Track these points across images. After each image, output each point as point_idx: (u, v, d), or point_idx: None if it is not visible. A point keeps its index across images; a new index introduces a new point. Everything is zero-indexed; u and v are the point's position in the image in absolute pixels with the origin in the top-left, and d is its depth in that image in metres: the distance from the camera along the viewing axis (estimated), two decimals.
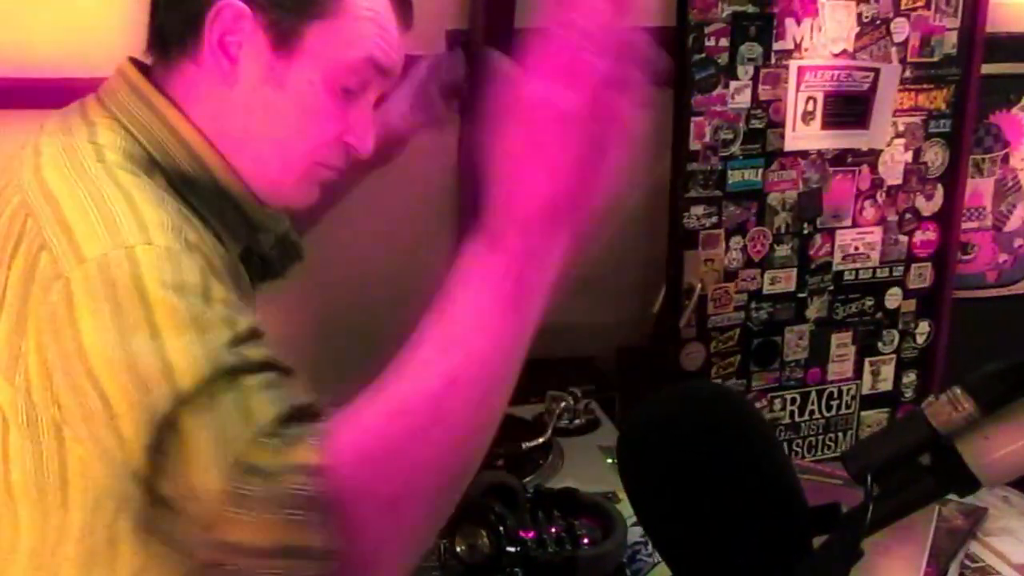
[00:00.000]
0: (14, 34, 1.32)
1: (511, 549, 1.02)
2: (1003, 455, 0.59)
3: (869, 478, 0.60)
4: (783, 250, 1.59)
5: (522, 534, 1.07)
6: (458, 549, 1.04)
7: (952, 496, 1.21)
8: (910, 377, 1.72)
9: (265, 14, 0.78)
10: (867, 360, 1.69)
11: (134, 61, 0.85)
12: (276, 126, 0.81)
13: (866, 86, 1.55)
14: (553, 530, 1.11)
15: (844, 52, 1.53)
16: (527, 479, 1.27)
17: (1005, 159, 1.73)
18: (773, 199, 1.57)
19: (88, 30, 1.33)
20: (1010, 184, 1.74)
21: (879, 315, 1.67)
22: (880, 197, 1.62)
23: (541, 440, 1.36)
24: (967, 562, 1.14)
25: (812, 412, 1.68)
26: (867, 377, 1.70)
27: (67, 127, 0.81)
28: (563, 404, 1.46)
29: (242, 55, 0.78)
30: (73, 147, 0.77)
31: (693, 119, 1.49)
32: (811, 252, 1.61)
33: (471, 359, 0.61)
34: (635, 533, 1.10)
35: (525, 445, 1.35)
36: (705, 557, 0.62)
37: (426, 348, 0.61)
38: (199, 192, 0.80)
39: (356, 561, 0.59)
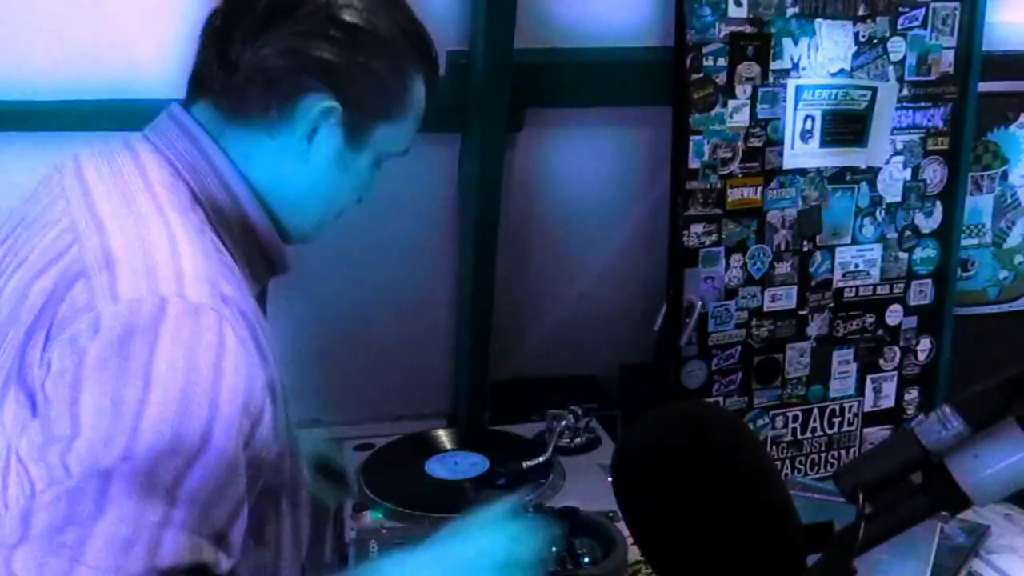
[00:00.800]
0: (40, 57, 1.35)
1: None
2: (993, 473, 0.59)
3: (861, 497, 0.60)
4: (783, 267, 1.60)
5: None
6: None
7: (948, 513, 1.21)
8: (912, 394, 1.71)
9: (349, 113, 0.86)
10: (869, 377, 1.69)
11: (183, 104, 0.89)
12: (329, 198, 0.92)
13: (864, 104, 1.56)
14: (554, 550, 1.11)
15: (842, 71, 1.54)
16: (528, 498, 1.27)
17: (1004, 176, 1.73)
18: (772, 217, 1.57)
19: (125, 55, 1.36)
20: (1009, 201, 1.75)
21: (880, 332, 1.67)
22: (879, 214, 1.63)
23: (542, 459, 1.36)
24: None
25: (814, 429, 1.68)
26: (869, 394, 1.69)
27: (110, 156, 0.85)
28: (564, 423, 1.45)
29: (318, 140, 0.87)
30: (123, 176, 0.82)
31: (692, 138, 1.50)
32: (811, 269, 1.61)
33: None
34: (636, 552, 1.10)
35: (526, 464, 1.35)
36: (699, 573, 0.62)
37: None
38: (233, 233, 0.85)
39: None
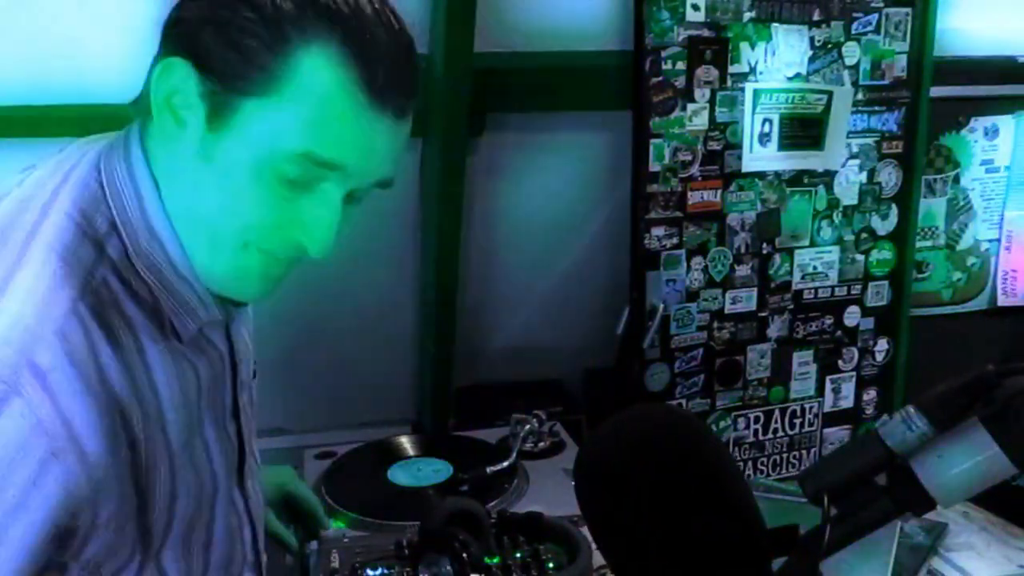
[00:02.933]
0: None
1: None
2: (957, 474, 0.59)
3: (826, 499, 0.60)
4: (743, 270, 1.61)
5: (487, 561, 1.06)
6: None
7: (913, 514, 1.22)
8: (870, 394, 1.74)
9: (205, 79, 0.70)
10: (828, 378, 1.71)
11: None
12: (202, 203, 0.73)
13: (820, 108, 1.58)
14: (518, 556, 1.10)
15: (798, 75, 1.56)
16: (492, 504, 1.26)
17: (956, 179, 1.77)
18: (732, 220, 1.58)
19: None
20: (961, 204, 1.78)
21: (838, 333, 1.69)
22: (836, 217, 1.65)
23: (506, 464, 1.35)
24: None
25: (776, 430, 1.69)
26: (828, 395, 1.71)
27: (51, 167, 0.75)
28: (527, 427, 1.45)
29: (184, 118, 0.72)
30: (26, 203, 0.72)
31: (652, 141, 1.50)
32: (770, 272, 1.63)
33: None
34: (601, 557, 1.09)
35: (490, 469, 1.34)
36: None
37: None
38: (155, 270, 0.74)
39: None
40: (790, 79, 1.56)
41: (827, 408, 1.72)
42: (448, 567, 1.02)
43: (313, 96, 0.70)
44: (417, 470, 1.39)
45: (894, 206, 1.68)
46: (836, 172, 1.63)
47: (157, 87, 0.72)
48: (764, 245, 1.61)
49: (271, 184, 0.72)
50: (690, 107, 1.51)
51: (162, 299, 0.74)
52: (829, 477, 0.62)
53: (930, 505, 0.60)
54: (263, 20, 0.69)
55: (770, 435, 1.69)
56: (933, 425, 0.59)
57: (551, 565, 1.09)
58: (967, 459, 0.59)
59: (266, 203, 0.72)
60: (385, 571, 1.10)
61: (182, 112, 0.71)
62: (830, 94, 1.58)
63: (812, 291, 1.66)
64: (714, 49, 1.51)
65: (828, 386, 1.71)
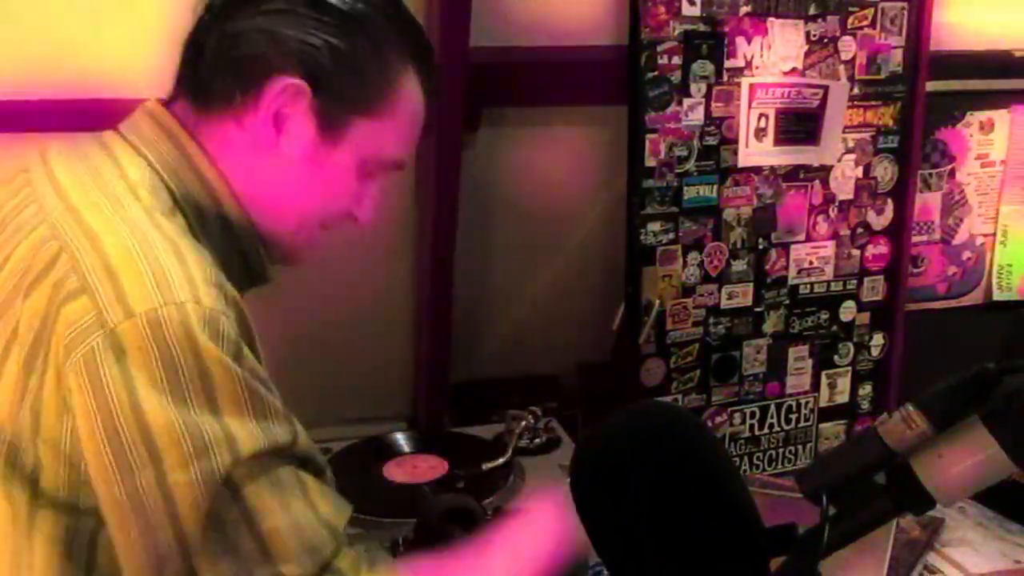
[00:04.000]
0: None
1: None
2: (958, 472, 0.59)
3: (825, 499, 0.60)
4: (739, 265, 1.60)
5: None
6: None
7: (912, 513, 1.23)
8: (866, 389, 1.74)
9: (320, 98, 0.80)
10: (824, 373, 1.70)
11: (162, 102, 0.84)
12: (304, 197, 0.85)
13: (816, 103, 1.58)
14: None
15: (794, 70, 1.55)
16: (488, 500, 1.26)
17: (952, 174, 1.77)
18: (728, 215, 1.58)
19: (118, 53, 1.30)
20: (957, 198, 1.78)
21: (834, 328, 1.69)
22: (832, 212, 1.65)
23: (502, 460, 1.35)
24: (925, 573, 1.15)
25: (771, 425, 1.69)
26: (824, 390, 1.71)
27: (84, 155, 0.79)
28: (523, 423, 1.45)
29: (288, 128, 0.81)
30: (104, 181, 0.76)
31: (648, 136, 1.50)
32: (766, 267, 1.62)
33: None
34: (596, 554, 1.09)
35: (485, 466, 1.34)
36: None
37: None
38: (213, 239, 0.81)
39: None
40: (786, 73, 1.55)
41: (823, 403, 1.72)
42: None
43: (408, 114, 0.86)
44: (413, 467, 1.39)
45: (890, 201, 1.68)
46: (832, 167, 1.63)
47: (271, 102, 0.79)
48: (760, 240, 1.61)
49: (362, 180, 0.87)
50: (686, 102, 1.51)
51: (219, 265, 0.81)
52: (827, 476, 0.62)
53: (930, 504, 0.60)
54: (377, 49, 0.81)
55: (766, 430, 1.69)
56: (932, 424, 0.59)
57: None
58: (967, 458, 0.58)
59: (354, 194, 0.87)
60: None
61: (287, 125, 0.81)
62: (826, 89, 1.57)
63: (808, 286, 1.66)
64: (710, 43, 1.50)
65: (824, 381, 1.71)
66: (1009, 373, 0.58)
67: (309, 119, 0.81)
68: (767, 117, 1.56)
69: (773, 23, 1.53)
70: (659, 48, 1.47)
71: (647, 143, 1.50)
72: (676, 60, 1.49)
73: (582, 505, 0.66)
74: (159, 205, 0.76)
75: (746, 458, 1.68)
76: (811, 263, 1.65)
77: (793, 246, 1.63)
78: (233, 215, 0.82)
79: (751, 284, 1.62)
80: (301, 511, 0.68)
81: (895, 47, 1.61)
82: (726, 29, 1.50)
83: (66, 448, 0.68)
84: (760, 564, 0.61)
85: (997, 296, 1.81)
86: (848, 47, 1.58)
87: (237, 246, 0.84)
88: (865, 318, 1.71)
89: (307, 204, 0.86)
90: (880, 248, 1.69)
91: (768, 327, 1.65)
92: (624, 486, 0.63)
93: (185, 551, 0.65)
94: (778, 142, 1.57)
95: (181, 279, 0.69)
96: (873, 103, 1.62)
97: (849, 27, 1.57)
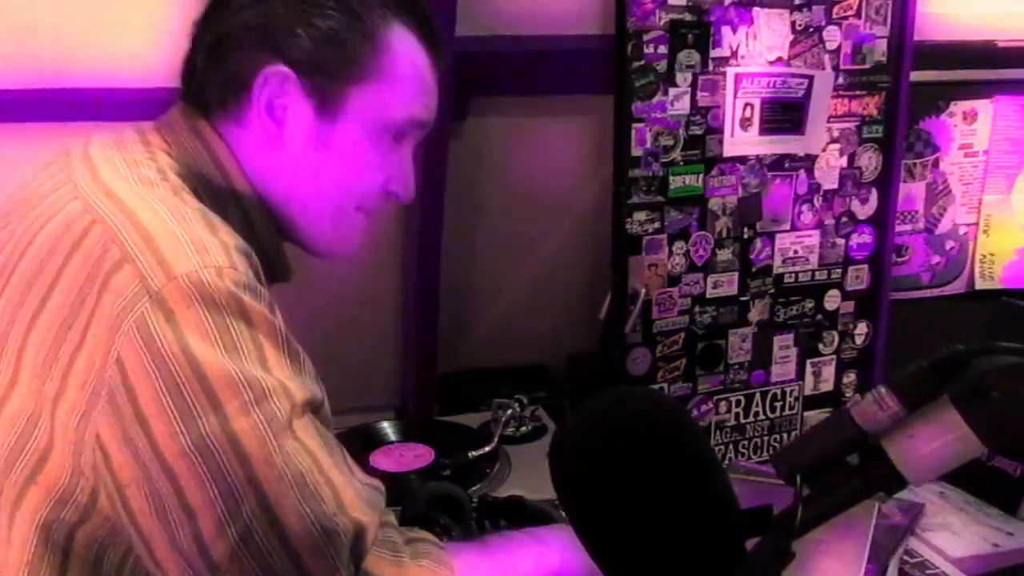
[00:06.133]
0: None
1: None
2: (928, 453, 0.60)
3: (798, 479, 0.61)
4: (725, 254, 1.61)
5: None
6: None
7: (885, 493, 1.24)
8: (850, 377, 1.75)
9: (309, 79, 0.80)
10: (808, 361, 1.72)
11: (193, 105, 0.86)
12: (325, 185, 0.85)
13: (801, 93, 1.58)
14: None
15: (779, 59, 1.56)
16: (474, 488, 1.27)
17: (935, 163, 1.78)
18: (714, 204, 1.59)
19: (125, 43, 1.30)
20: (940, 188, 1.79)
21: (819, 317, 1.70)
22: (817, 201, 1.66)
23: (488, 449, 1.36)
24: (906, 558, 1.16)
25: (757, 413, 1.70)
26: (809, 378, 1.73)
27: (121, 143, 0.82)
28: (509, 412, 1.45)
29: (287, 118, 0.82)
30: (136, 164, 0.78)
31: (634, 126, 1.50)
32: (752, 256, 1.63)
33: None
34: None
35: (471, 454, 1.35)
36: (638, 562, 0.62)
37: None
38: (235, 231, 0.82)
39: None
40: (771, 63, 1.56)
41: (808, 391, 1.73)
42: None
43: (408, 69, 0.84)
44: (399, 455, 1.40)
45: (874, 190, 1.69)
46: (817, 156, 1.63)
47: (259, 95, 0.80)
48: (745, 229, 1.62)
49: (381, 150, 0.85)
50: (672, 91, 1.51)
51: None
52: (802, 457, 0.63)
53: (902, 484, 0.61)
54: (352, 15, 0.81)
55: (751, 418, 1.70)
56: (904, 405, 0.60)
57: None
58: (938, 438, 0.59)
59: (378, 167, 0.86)
60: None
61: (285, 114, 0.81)
62: (811, 78, 1.58)
63: (793, 275, 1.67)
64: (696, 33, 1.50)
65: (809, 369, 1.72)
66: (980, 355, 0.59)
67: (303, 102, 0.81)
68: (752, 107, 1.57)
69: (759, 13, 1.53)
70: (645, 38, 1.48)
71: (633, 132, 1.50)
72: (662, 50, 1.49)
73: (561, 490, 0.67)
74: (185, 188, 0.78)
75: (732, 446, 1.69)
76: (796, 252, 1.66)
77: (778, 235, 1.64)
78: (252, 209, 0.84)
79: (736, 273, 1.63)
80: (348, 471, 0.72)
81: (880, 37, 1.62)
82: (712, 19, 1.51)
83: (86, 419, 0.68)
84: (736, 545, 0.62)
85: (980, 285, 1.83)
86: (833, 37, 1.59)
87: (257, 242, 0.84)
88: (850, 307, 1.72)
89: (331, 187, 0.85)
90: (864, 237, 1.70)
91: (753, 316, 1.66)
92: (599, 468, 0.64)
93: (261, 493, 0.66)
94: (763, 132, 1.58)
95: (216, 245, 0.71)
96: (858, 93, 1.63)
97: (834, 17, 1.58)
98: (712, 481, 0.64)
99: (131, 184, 0.75)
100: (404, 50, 0.84)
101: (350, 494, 0.70)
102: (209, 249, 0.70)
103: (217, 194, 0.81)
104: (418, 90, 0.86)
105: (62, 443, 0.69)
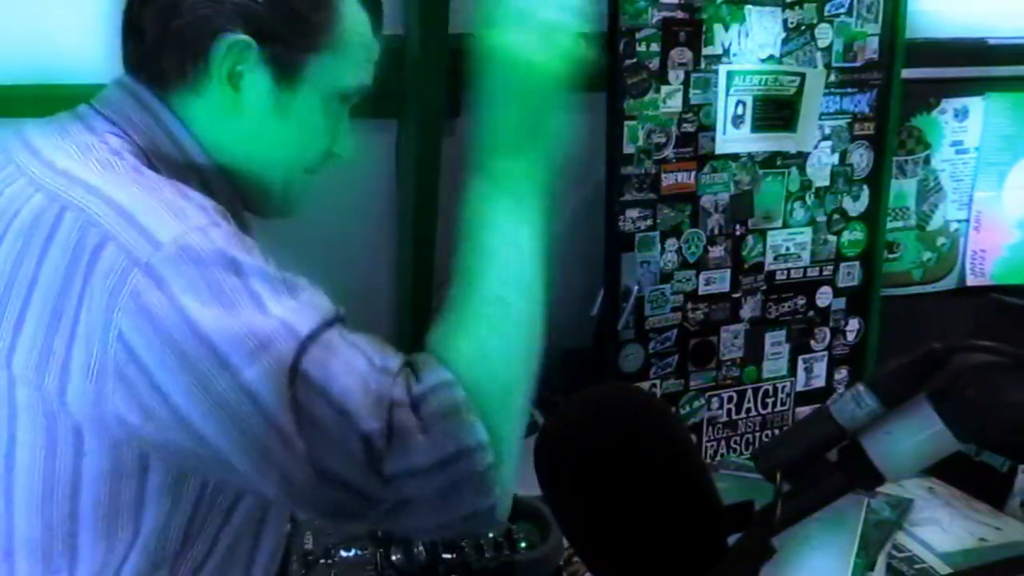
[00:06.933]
0: None
1: (448, 556, 1.02)
2: (905, 450, 0.61)
3: (778, 476, 0.62)
4: (717, 251, 1.62)
5: (459, 540, 1.07)
6: (394, 558, 1.04)
7: (879, 488, 1.25)
8: (842, 373, 1.76)
9: (269, 48, 0.81)
10: (800, 358, 1.73)
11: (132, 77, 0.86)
12: (281, 149, 0.86)
13: (793, 90, 1.59)
14: (491, 535, 1.12)
15: (771, 57, 1.57)
16: None
17: (927, 160, 1.79)
18: (706, 201, 1.59)
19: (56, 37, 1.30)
20: (932, 185, 1.80)
21: (811, 313, 1.71)
22: (809, 198, 1.66)
23: None
24: (894, 552, 1.18)
25: (749, 410, 1.71)
26: (800, 374, 1.74)
27: (63, 130, 0.81)
28: None
29: (244, 85, 0.82)
30: (88, 148, 0.78)
31: (626, 123, 1.51)
32: (744, 253, 1.64)
33: (506, 263, 0.81)
34: None
35: None
36: (621, 558, 0.63)
37: (472, 270, 0.78)
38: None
39: (498, 449, 0.70)
40: (763, 61, 1.56)
41: (799, 387, 1.74)
42: (420, 547, 1.03)
43: (357, 37, 0.85)
44: None
45: (865, 187, 1.70)
46: (809, 154, 1.64)
47: (220, 64, 0.80)
48: (737, 226, 1.63)
49: (335, 116, 0.88)
50: (664, 89, 1.52)
51: None
52: (782, 454, 0.63)
53: (880, 480, 0.62)
54: None
55: (743, 414, 1.71)
56: (881, 402, 0.61)
57: (523, 544, 1.11)
58: (914, 435, 0.60)
59: (328, 132, 0.88)
60: (358, 552, 1.11)
61: (244, 82, 0.81)
62: (803, 76, 1.59)
63: (785, 272, 1.68)
64: (688, 31, 1.51)
65: (800, 365, 1.73)
66: (956, 353, 0.60)
67: (262, 71, 0.82)
68: (744, 104, 1.57)
69: (751, 11, 1.54)
70: (637, 35, 1.48)
71: (625, 130, 1.51)
72: (654, 47, 1.49)
73: (545, 485, 0.67)
74: (143, 166, 0.78)
75: (723, 442, 1.70)
76: (787, 249, 1.67)
77: (770, 232, 1.65)
78: (210, 176, 0.83)
79: (728, 270, 1.64)
80: (361, 366, 0.70)
81: (871, 35, 1.62)
82: (704, 16, 1.51)
83: (97, 403, 0.69)
84: (718, 540, 0.63)
85: (971, 281, 1.84)
86: (825, 35, 1.59)
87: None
88: (841, 303, 1.73)
89: (286, 153, 0.87)
90: (856, 234, 1.71)
91: (745, 312, 1.67)
92: (583, 465, 0.64)
93: (283, 437, 0.67)
94: (755, 129, 1.59)
95: (193, 208, 0.71)
96: (849, 90, 1.64)
97: (826, 15, 1.59)
98: (691, 476, 0.64)
99: (92, 167, 0.75)
100: (354, 19, 0.85)
101: (356, 405, 0.68)
102: (187, 212, 0.71)
103: (174, 166, 0.81)
104: (366, 57, 0.88)
105: (89, 433, 0.70)
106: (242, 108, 0.82)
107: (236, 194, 0.87)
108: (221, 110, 0.82)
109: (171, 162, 0.81)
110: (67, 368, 0.68)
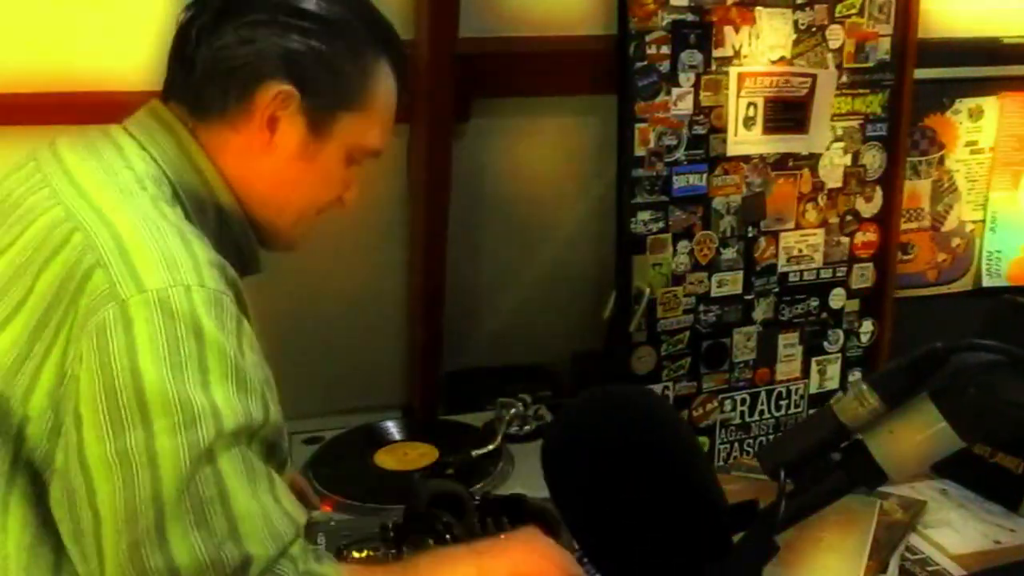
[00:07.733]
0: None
1: None
2: (908, 448, 0.60)
3: (782, 474, 0.62)
4: (729, 253, 1.62)
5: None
6: None
7: (892, 489, 1.24)
8: (856, 375, 1.75)
9: (309, 100, 0.88)
10: (813, 360, 1.72)
11: (165, 104, 0.91)
12: (301, 192, 0.93)
13: (804, 92, 1.59)
14: (500, 535, 1.12)
15: (782, 59, 1.56)
16: (477, 486, 1.28)
17: (940, 161, 1.77)
18: (718, 203, 1.59)
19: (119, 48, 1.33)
20: (946, 185, 1.79)
21: (824, 315, 1.70)
22: (821, 200, 1.66)
23: (491, 447, 1.37)
24: (907, 554, 1.16)
25: (762, 412, 1.71)
26: (814, 376, 1.73)
27: (92, 147, 0.86)
28: (513, 411, 1.46)
29: (280, 130, 0.88)
30: (112, 171, 0.82)
31: (637, 126, 1.51)
32: (756, 255, 1.64)
33: None
34: None
35: (475, 453, 1.36)
36: (628, 557, 0.63)
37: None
38: (209, 230, 0.87)
39: None
40: (774, 62, 1.56)
41: (813, 390, 1.73)
42: (432, 549, 1.03)
43: (386, 104, 0.93)
44: (403, 454, 1.41)
45: (879, 188, 1.69)
46: (820, 155, 1.64)
47: (264, 108, 0.88)
48: (749, 228, 1.62)
49: (348, 168, 0.94)
50: (675, 91, 1.52)
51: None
52: (785, 453, 0.63)
53: (882, 479, 0.62)
54: (354, 48, 0.89)
55: (756, 417, 1.70)
56: (884, 401, 0.61)
57: None
58: (917, 434, 0.60)
59: (342, 182, 0.95)
60: (370, 553, 1.12)
61: (280, 127, 0.88)
62: (814, 77, 1.58)
63: (797, 274, 1.67)
64: (698, 33, 1.51)
65: (814, 368, 1.72)
66: (957, 352, 0.60)
67: (299, 120, 0.88)
68: (756, 106, 1.57)
69: (761, 12, 1.54)
70: (648, 38, 1.48)
71: (636, 132, 1.51)
72: (665, 50, 1.50)
73: (552, 485, 0.68)
74: (162, 195, 0.83)
75: (736, 444, 1.69)
76: (800, 251, 1.66)
77: (782, 234, 1.64)
78: (229, 208, 0.89)
79: (741, 272, 1.63)
80: (268, 500, 0.73)
81: (883, 35, 1.62)
82: (714, 19, 1.51)
83: (55, 412, 0.72)
84: (722, 539, 0.63)
85: (986, 282, 1.82)
86: (836, 35, 1.59)
87: (231, 237, 0.90)
88: (854, 305, 1.72)
89: (304, 197, 0.94)
90: (869, 235, 1.70)
91: (758, 314, 1.66)
92: (590, 465, 0.65)
93: (159, 512, 0.69)
94: (767, 131, 1.58)
95: (187, 262, 0.75)
96: (861, 91, 1.63)
97: (837, 15, 1.58)
98: (695, 474, 0.65)
99: (109, 193, 0.79)
100: (386, 86, 0.93)
101: (253, 525, 0.71)
102: (180, 266, 0.74)
103: (195, 196, 0.86)
104: (388, 123, 0.95)
105: (37, 419, 0.72)
106: (272, 150, 0.89)
107: (250, 226, 0.92)
108: (252, 149, 0.88)
109: (193, 191, 0.86)
110: (39, 371, 0.72)
